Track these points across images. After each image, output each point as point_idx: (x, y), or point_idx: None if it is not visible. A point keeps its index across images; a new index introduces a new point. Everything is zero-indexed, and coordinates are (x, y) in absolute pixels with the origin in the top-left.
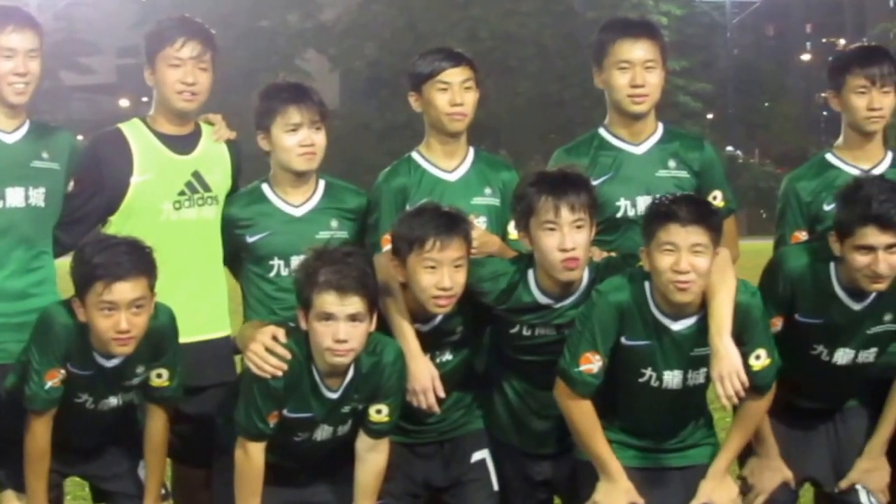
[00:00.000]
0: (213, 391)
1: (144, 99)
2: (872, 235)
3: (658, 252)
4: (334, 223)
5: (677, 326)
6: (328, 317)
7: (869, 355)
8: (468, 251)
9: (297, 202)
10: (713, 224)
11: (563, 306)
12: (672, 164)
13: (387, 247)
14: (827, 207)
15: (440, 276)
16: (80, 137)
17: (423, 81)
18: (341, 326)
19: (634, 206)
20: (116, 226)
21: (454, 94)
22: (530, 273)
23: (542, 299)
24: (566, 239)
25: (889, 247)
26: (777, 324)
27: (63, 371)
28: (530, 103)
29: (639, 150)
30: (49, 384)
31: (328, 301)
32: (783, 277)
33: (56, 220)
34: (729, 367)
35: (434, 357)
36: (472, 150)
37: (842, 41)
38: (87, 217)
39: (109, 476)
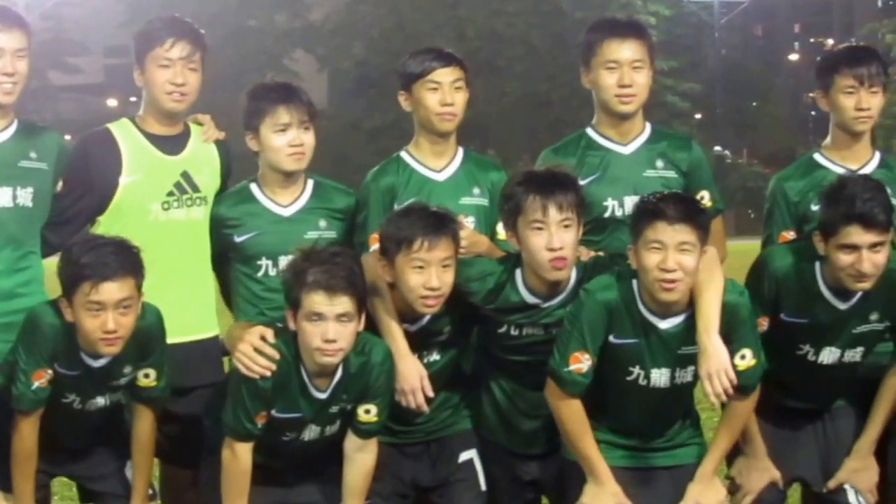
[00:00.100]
0: (200, 391)
1: (132, 99)
2: (856, 234)
3: (645, 250)
4: (323, 223)
5: (665, 325)
6: (317, 316)
7: (855, 355)
8: (456, 251)
9: (286, 202)
10: (700, 222)
11: (550, 306)
12: (660, 164)
13: (374, 246)
14: (815, 207)
15: (428, 276)
16: (67, 137)
17: (414, 81)
18: (330, 326)
19: (622, 206)
20: (105, 226)
21: (444, 93)
22: (518, 273)
23: (530, 299)
24: (554, 238)
25: (873, 245)
26: (763, 324)
27: (50, 371)
28: (518, 103)
29: (626, 150)
30: (36, 384)
31: (317, 301)
32: (768, 277)
33: (44, 220)
34: (717, 364)
35: (422, 357)
36: (461, 150)
37: (830, 41)
38: (76, 217)
39: (97, 476)
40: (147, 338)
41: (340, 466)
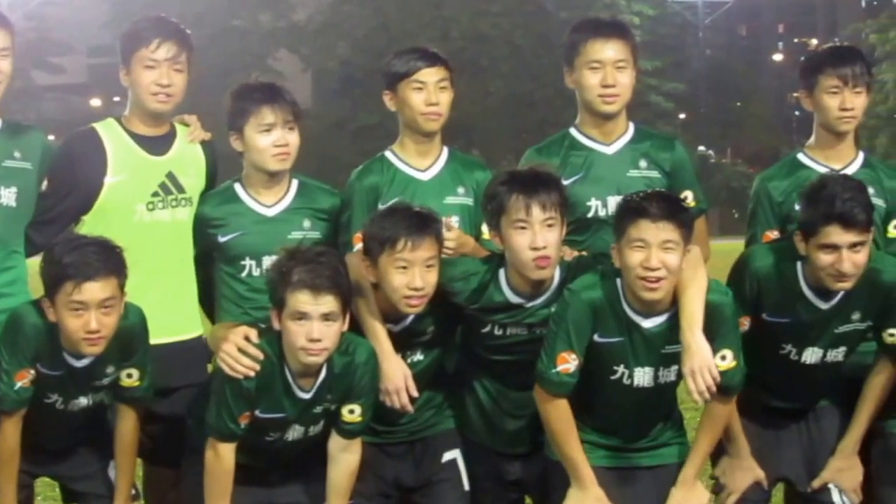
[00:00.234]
0: (184, 392)
1: (116, 98)
2: (836, 234)
3: (628, 249)
4: (307, 223)
5: (648, 324)
6: (302, 316)
7: (838, 354)
8: (439, 251)
9: (270, 202)
10: (684, 220)
11: (534, 305)
12: (643, 164)
13: (358, 245)
14: (799, 207)
15: (411, 276)
16: (51, 137)
17: (399, 80)
18: (315, 325)
19: (605, 206)
20: (89, 226)
21: (429, 93)
22: (501, 272)
23: (514, 298)
24: (537, 237)
25: (853, 245)
26: (745, 323)
27: (33, 371)
28: (502, 103)
29: (610, 150)
30: (19, 384)
31: (302, 300)
32: (750, 276)
33: (28, 219)
34: (700, 362)
35: (405, 357)
36: (445, 150)
37: (814, 41)
38: (60, 217)
39: (80, 476)
40: (130, 338)
41: (324, 466)
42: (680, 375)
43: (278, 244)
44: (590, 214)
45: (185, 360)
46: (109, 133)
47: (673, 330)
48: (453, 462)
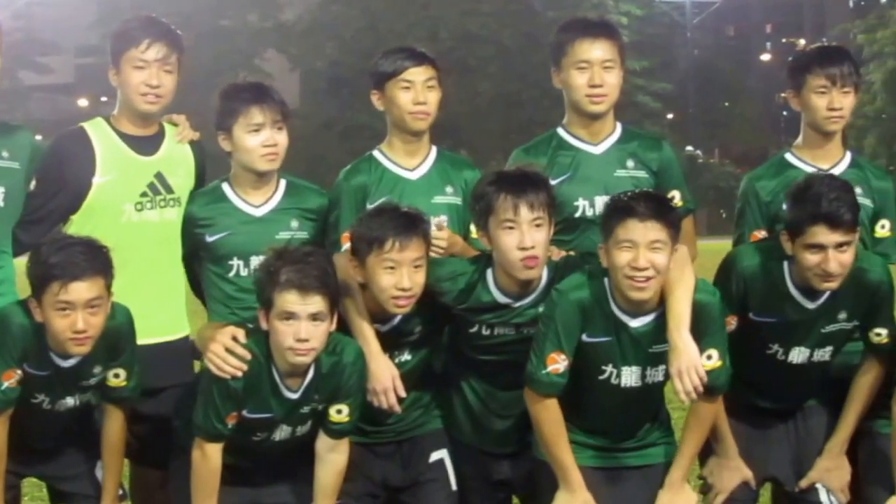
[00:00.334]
0: (171, 392)
1: (104, 99)
2: (822, 234)
3: (616, 249)
4: (295, 223)
5: (636, 323)
6: (289, 316)
7: (824, 354)
8: (427, 251)
9: (258, 202)
10: (671, 220)
11: (521, 305)
12: (630, 163)
13: (346, 245)
14: (785, 207)
15: (399, 276)
16: (38, 137)
17: (386, 80)
18: (303, 325)
19: (593, 205)
20: (77, 225)
21: (417, 92)
22: (489, 272)
23: (501, 298)
24: (525, 237)
25: (839, 245)
26: (732, 322)
27: (20, 371)
28: (490, 103)
29: (597, 149)
30: (6, 384)
31: (290, 300)
32: (736, 276)
33: (16, 219)
34: (687, 361)
35: (393, 357)
36: (434, 149)
37: (801, 41)
38: (48, 216)
39: (67, 476)
40: (117, 338)
41: (311, 467)
42: (667, 375)
43: (266, 244)
44: (577, 214)
45: (172, 361)
46: (98, 133)
47: (660, 329)
48: (441, 462)
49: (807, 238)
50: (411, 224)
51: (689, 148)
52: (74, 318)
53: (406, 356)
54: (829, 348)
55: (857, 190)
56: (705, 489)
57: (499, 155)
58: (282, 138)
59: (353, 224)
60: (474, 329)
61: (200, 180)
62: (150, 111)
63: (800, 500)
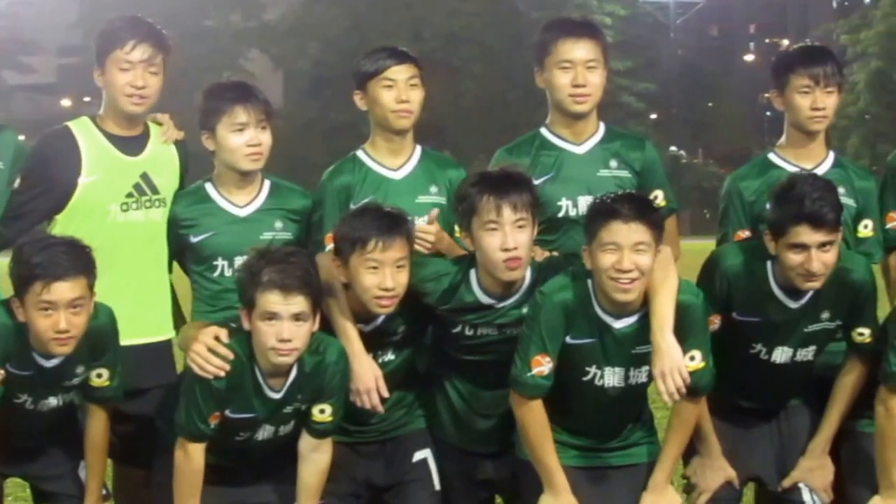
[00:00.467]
0: (154, 392)
1: (86, 99)
2: (805, 234)
3: (600, 251)
4: (279, 224)
5: (619, 324)
6: (272, 316)
7: (807, 354)
8: (410, 251)
9: (242, 202)
10: (655, 221)
11: (505, 306)
12: (613, 163)
13: (330, 245)
14: (769, 206)
15: (382, 276)
16: (21, 137)
17: (369, 79)
18: (285, 326)
19: (576, 205)
20: (62, 225)
21: (400, 91)
22: (472, 273)
23: (485, 299)
24: (508, 238)
25: (822, 245)
26: (715, 322)
27: (2, 371)
28: (474, 103)
29: (580, 149)
30: None
31: (272, 300)
32: (720, 275)
33: None
34: (670, 363)
35: (376, 357)
36: (418, 149)
37: (785, 42)
38: (32, 213)
39: (50, 476)
40: (99, 338)
41: (295, 466)
42: (650, 376)
43: (250, 244)
44: (560, 214)
45: (156, 362)
46: (84, 132)
47: (644, 330)
48: (424, 462)
49: (790, 238)
50: (394, 224)
51: (673, 148)
52: (57, 318)
53: (389, 356)
54: (812, 348)
55: (841, 190)
56: (689, 489)
57: (483, 155)
58: (266, 138)
59: (337, 224)
60: (457, 329)
61: (184, 179)
62: (135, 112)
63: (783, 499)
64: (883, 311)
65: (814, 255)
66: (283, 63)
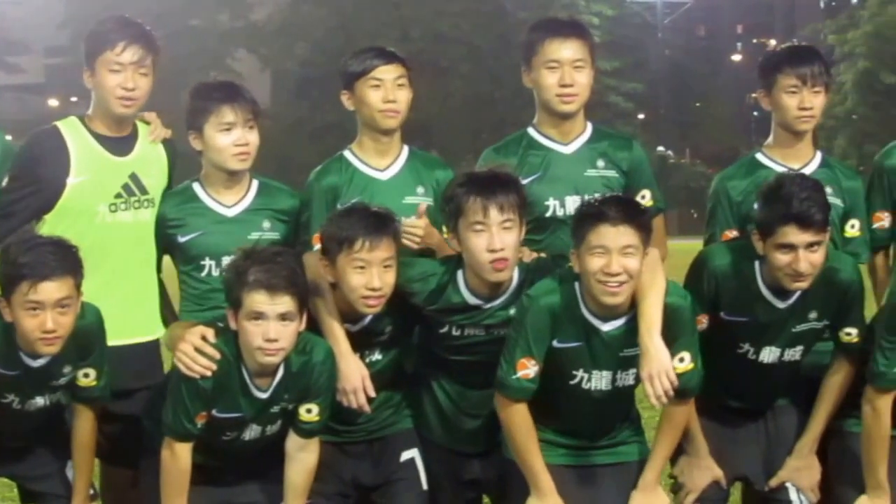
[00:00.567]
0: (142, 392)
1: (73, 99)
2: (793, 234)
3: (589, 255)
4: (266, 224)
5: (607, 327)
6: (258, 316)
7: (795, 353)
8: (398, 251)
9: (230, 202)
10: (643, 223)
11: (492, 307)
12: (601, 163)
13: (318, 246)
14: (756, 206)
15: (369, 276)
16: (8, 137)
17: (356, 79)
18: (271, 325)
19: (563, 205)
20: (51, 225)
21: (387, 91)
22: (460, 274)
23: (472, 300)
24: (495, 239)
25: (810, 245)
26: (703, 321)
27: None
28: (462, 103)
29: (567, 149)
30: None
31: (258, 300)
32: (708, 275)
33: None
34: (658, 366)
35: (363, 357)
36: (405, 149)
37: (772, 42)
38: (21, 212)
39: (37, 476)
40: (86, 337)
41: (282, 466)
42: (638, 379)
43: (238, 244)
44: (548, 214)
45: (144, 362)
46: (73, 133)
47: (631, 333)
48: (411, 461)
49: (777, 238)
50: (381, 224)
51: (661, 148)
52: (44, 317)
53: (377, 356)
54: (799, 348)
55: (828, 190)
56: (676, 488)
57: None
58: (253, 137)
59: (324, 224)
60: (445, 329)
61: (172, 178)
62: (125, 114)
63: (770, 499)
64: (870, 311)
65: (801, 255)
66: (271, 63)
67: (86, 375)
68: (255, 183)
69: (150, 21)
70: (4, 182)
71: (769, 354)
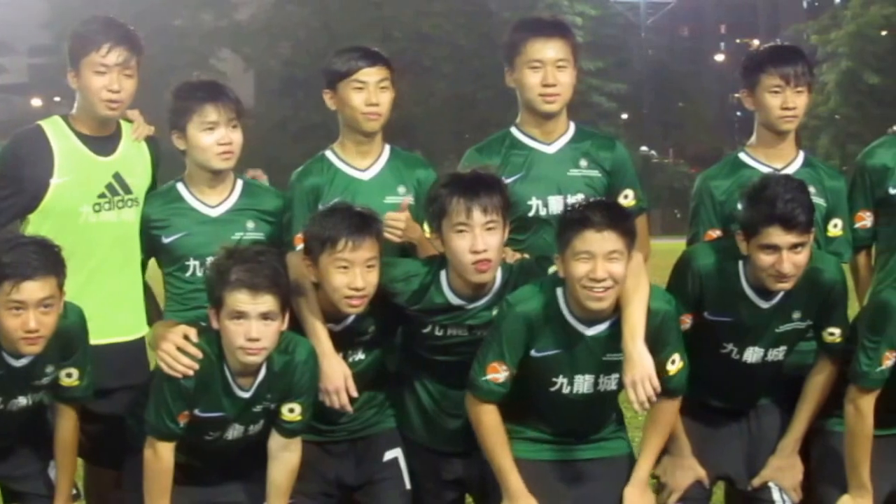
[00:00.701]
0: (125, 392)
1: (57, 99)
2: (777, 235)
3: (573, 260)
4: (251, 224)
5: (591, 331)
6: (240, 315)
7: (778, 353)
8: (380, 251)
9: (214, 202)
10: (627, 228)
11: (475, 307)
12: (583, 163)
13: (299, 246)
14: (741, 207)
15: (352, 276)
16: None
17: (339, 80)
18: (253, 325)
19: (546, 205)
20: (35, 225)
21: (370, 93)
22: (443, 274)
23: (455, 300)
24: (477, 241)
25: (794, 246)
26: (686, 321)
27: None
28: (445, 103)
29: (550, 149)
30: None
31: (240, 299)
32: (692, 275)
33: None
34: (641, 372)
35: (346, 356)
36: (387, 149)
37: (756, 42)
38: (3, 212)
39: (20, 476)
40: (69, 337)
41: (265, 466)
42: (620, 384)
43: (222, 244)
44: (530, 214)
45: (129, 361)
46: (56, 133)
47: (614, 337)
48: (394, 461)
49: (761, 239)
50: (364, 224)
51: (644, 148)
52: (26, 317)
53: (359, 355)
54: (783, 348)
55: (811, 189)
56: (659, 488)
57: (453, 155)
58: (236, 137)
59: (307, 223)
60: (427, 329)
61: (156, 176)
62: (111, 117)
63: (753, 498)
64: (852, 310)
65: (785, 256)
66: (255, 63)
67: (68, 375)
68: (239, 183)
69: (134, 20)
70: None
71: (753, 354)
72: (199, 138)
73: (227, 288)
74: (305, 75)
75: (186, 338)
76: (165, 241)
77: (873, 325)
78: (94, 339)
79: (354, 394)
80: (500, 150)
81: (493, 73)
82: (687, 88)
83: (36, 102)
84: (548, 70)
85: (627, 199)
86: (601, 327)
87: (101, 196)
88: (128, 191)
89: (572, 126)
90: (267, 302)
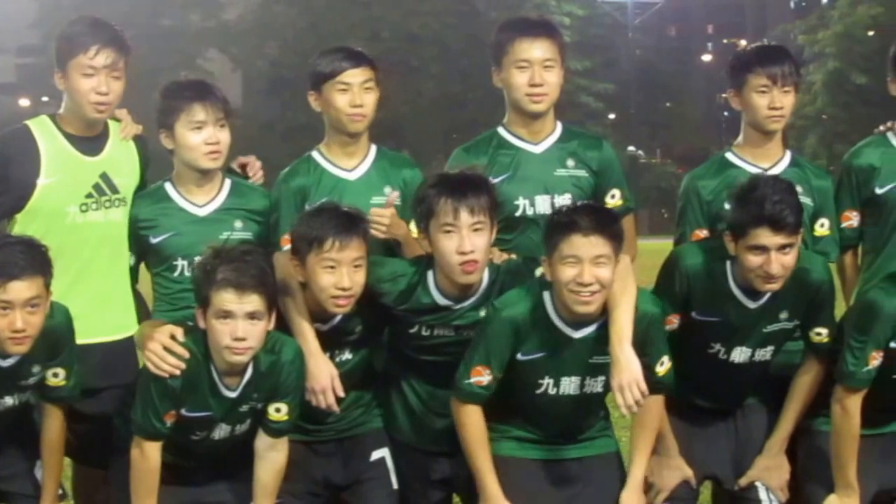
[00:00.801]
0: (113, 391)
1: (45, 99)
2: (765, 236)
3: (560, 264)
4: (238, 224)
5: (578, 334)
6: (226, 315)
7: (766, 353)
8: (367, 251)
9: (202, 202)
10: (614, 232)
11: (462, 308)
12: (570, 163)
13: (286, 247)
14: (728, 206)
15: (339, 276)
16: None
17: (323, 81)
18: (239, 324)
19: (533, 205)
20: (22, 225)
21: (354, 95)
22: (430, 274)
23: (442, 301)
24: (465, 241)
25: (782, 247)
26: (673, 321)
27: None
28: (433, 103)
29: (537, 149)
30: None
31: (226, 299)
32: (679, 275)
33: None
34: (629, 376)
35: (333, 356)
36: (373, 149)
37: (743, 42)
38: None
39: (6, 476)
40: (55, 337)
41: (251, 465)
42: (606, 387)
43: (210, 244)
44: (518, 213)
45: (117, 361)
46: (43, 132)
47: (601, 340)
48: (382, 461)
49: (749, 239)
50: (351, 224)
51: (631, 148)
52: (13, 317)
53: (346, 355)
54: (770, 348)
55: (798, 189)
56: (646, 488)
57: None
58: (224, 136)
59: (294, 223)
60: (414, 329)
61: (144, 175)
62: (99, 118)
63: (740, 498)
64: (838, 310)
65: (773, 257)
66: (242, 63)
67: (55, 375)
68: (227, 182)
69: (121, 20)
70: None
71: (740, 354)
72: (187, 137)
73: (213, 287)
74: (293, 75)
75: (173, 337)
76: (153, 241)
77: (860, 325)
78: (82, 339)
79: (341, 393)
80: (488, 150)
81: (481, 73)
82: (674, 88)
83: (24, 102)
84: (535, 70)
85: (614, 198)
86: (588, 330)
87: (88, 196)
88: (115, 191)
89: (559, 126)
90: (253, 301)
